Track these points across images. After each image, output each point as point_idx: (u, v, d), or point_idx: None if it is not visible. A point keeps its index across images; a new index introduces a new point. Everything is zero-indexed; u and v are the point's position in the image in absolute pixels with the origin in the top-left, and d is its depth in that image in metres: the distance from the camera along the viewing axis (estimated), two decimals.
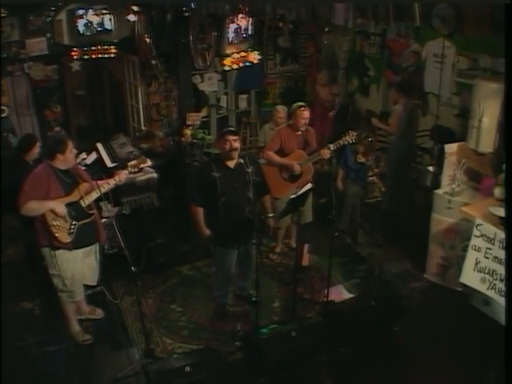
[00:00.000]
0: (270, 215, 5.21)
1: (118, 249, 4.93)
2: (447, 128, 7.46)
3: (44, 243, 4.56)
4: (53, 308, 5.05)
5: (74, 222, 4.52)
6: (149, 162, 6.57)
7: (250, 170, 4.76)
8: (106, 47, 7.40)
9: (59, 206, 4.42)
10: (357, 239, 6.79)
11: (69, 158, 4.51)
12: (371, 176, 6.56)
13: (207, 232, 4.94)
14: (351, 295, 5.57)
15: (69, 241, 4.53)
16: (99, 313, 5.29)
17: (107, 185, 4.67)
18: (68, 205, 4.48)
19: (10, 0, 6.37)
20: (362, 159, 6.43)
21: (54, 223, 4.43)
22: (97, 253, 4.93)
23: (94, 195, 4.61)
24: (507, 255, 3.75)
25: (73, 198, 4.52)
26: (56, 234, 4.46)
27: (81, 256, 4.74)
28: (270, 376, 4.51)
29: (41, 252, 4.66)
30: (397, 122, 6.97)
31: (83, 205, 4.56)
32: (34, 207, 4.36)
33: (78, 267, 4.75)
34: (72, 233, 4.53)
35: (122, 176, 4.77)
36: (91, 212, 4.66)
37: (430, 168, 6.76)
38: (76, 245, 4.60)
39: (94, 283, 5.07)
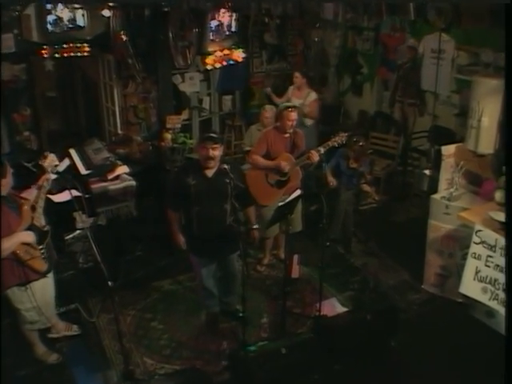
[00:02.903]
0: (255, 227, 5.23)
1: (94, 262, 4.93)
2: (446, 128, 7.56)
3: (13, 282, 4.43)
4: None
5: (41, 246, 4.47)
6: (126, 169, 6.63)
7: (228, 181, 4.71)
8: (78, 45, 7.36)
9: (27, 235, 4.36)
10: (350, 248, 6.84)
11: (9, 180, 4.41)
12: (364, 183, 6.62)
13: (181, 239, 5.00)
14: (345, 309, 5.60)
15: (46, 267, 4.51)
16: (75, 329, 5.28)
17: (43, 194, 4.51)
18: (27, 229, 4.40)
19: None
20: (354, 165, 6.50)
21: (28, 256, 4.34)
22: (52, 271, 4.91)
23: (40, 210, 4.51)
24: (507, 261, 3.81)
25: (27, 220, 4.43)
26: (33, 266, 4.39)
27: (49, 278, 4.74)
28: None
29: (5, 295, 4.51)
30: (317, 108, 7.69)
31: (37, 224, 4.48)
32: (5, 247, 4.21)
33: (49, 290, 4.77)
34: (45, 257, 4.50)
35: (48, 179, 4.58)
36: (46, 229, 4.60)
37: (427, 171, 6.83)
38: (49, 269, 4.60)
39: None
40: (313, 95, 7.70)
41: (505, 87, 4.37)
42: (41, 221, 4.52)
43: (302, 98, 7.67)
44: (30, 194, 4.62)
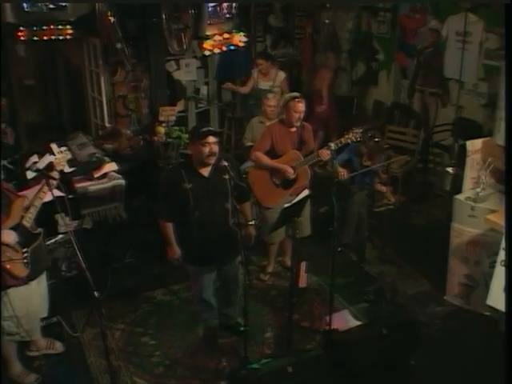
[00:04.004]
0: (251, 223, 5.24)
1: (78, 270, 4.94)
2: (472, 121, 7.55)
3: None
4: None
5: (25, 250, 4.47)
6: (114, 166, 6.65)
7: (227, 177, 4.71)
8: (60, 27, 7.36)
9: (7, 234, 4.36)
10: (364, 255, 6.87)
11: None
12: (379, 182, 6.63)
13: (178, 251, 4.95)
14: (358, 322, 5.60)
15: (27, 273, 4.50)
16: (58, 346, 5.29)
17: (43, 193, 4.56)
18: (12, 229, 4.41)
19: None
20: (367, 162, 6.50)
21: (5, 258, 4.32)
22: (45, 279, 4.92)
23: (34, 210, 4.53)
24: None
25: (14, 219, 4.45)
26: (11, 270, 4.38)
27: (35, 286, 4.73)
28: None
29: None
30: (287, 86, 8.20)
31: (27, 225, 4.50)
32: None
33: (34, 300, 4.76)
34: (27, 262, 4.49)
35: (55, 177, 4.65)
36: (37, 232, 4.64)
37: (450, 169, 6.82)
38: (31, 275, 4.58)
39: (45, 314, 5.04)
40: (281, 74, 8.23)
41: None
42: (32, 222, 4.54)
43: (271, 79, 8.11)
44: (30, 192, 4.64)
